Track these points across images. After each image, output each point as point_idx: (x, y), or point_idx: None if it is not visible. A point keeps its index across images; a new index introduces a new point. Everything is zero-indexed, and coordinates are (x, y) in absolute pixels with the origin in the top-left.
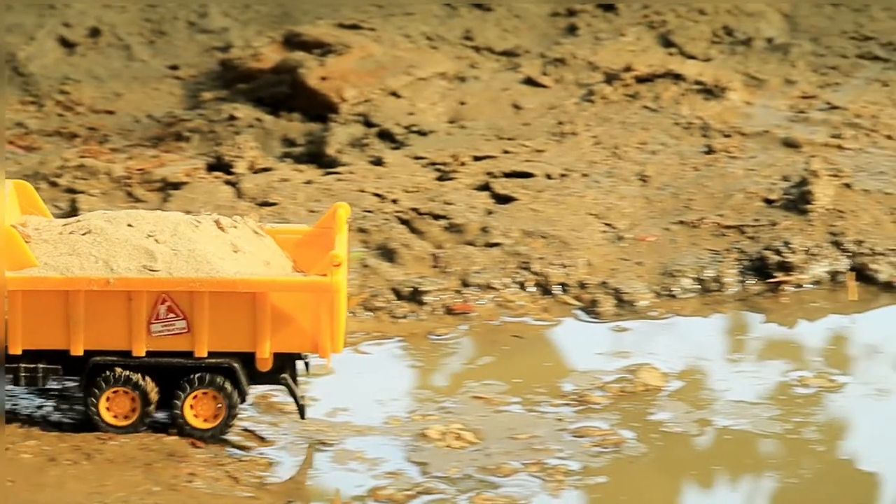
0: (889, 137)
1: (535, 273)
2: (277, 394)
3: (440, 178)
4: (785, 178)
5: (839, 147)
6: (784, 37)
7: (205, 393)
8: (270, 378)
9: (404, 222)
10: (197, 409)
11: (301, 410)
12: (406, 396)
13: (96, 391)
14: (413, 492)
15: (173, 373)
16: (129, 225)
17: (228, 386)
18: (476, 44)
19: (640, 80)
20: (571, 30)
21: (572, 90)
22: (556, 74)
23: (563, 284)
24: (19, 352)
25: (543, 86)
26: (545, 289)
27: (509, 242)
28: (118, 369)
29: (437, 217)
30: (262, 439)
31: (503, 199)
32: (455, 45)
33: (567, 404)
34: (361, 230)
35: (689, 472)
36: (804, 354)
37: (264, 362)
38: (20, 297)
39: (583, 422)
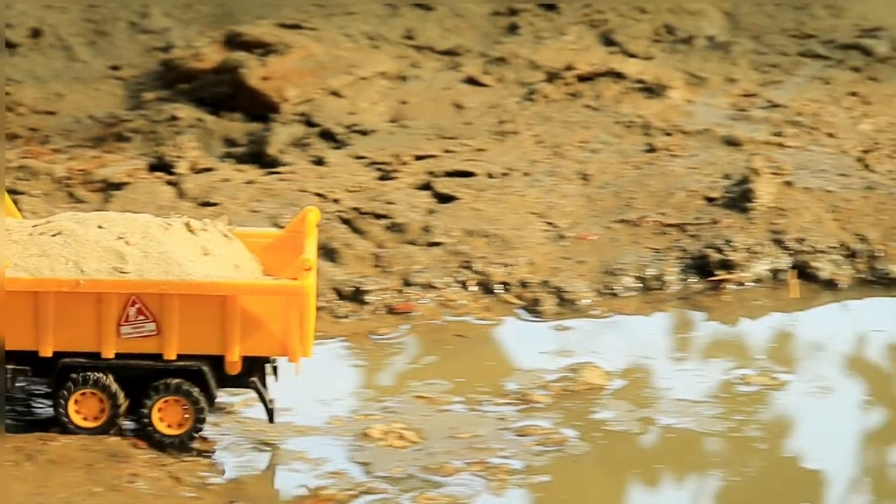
0: (830, 135)
1: (477, 272)
2: (219, 394)
3: (382, 178)
4: (726, 177)
5: (780, 145)
6: (725, 35)
7: (175, 400)
8: (239, 382)
9: (346, 222)
10: (164, 415)
11: (270, 414)
12: (348, 396)
13: (65, 392)
14: (355, 492)
15: (142, 375)
16: (100, 227)
17: (196, 392)
18: (417, 43)
19: (582, 78)
20: (513, 29)
21: (514, 89)
22: (498, 74)
23: (504, 283)
24: None
25: (485, 85)
26: (487, 288)
27: (451, 242)
28: (87, 371)
29: (378, 217)
30: (204, 440)
31: (445, 199)
32: (396, 44)
33: (509, 403)
34: None
35: (631, 471)
36: (746, 352)
37: (233, 366)
38: None
39: (525, 421)
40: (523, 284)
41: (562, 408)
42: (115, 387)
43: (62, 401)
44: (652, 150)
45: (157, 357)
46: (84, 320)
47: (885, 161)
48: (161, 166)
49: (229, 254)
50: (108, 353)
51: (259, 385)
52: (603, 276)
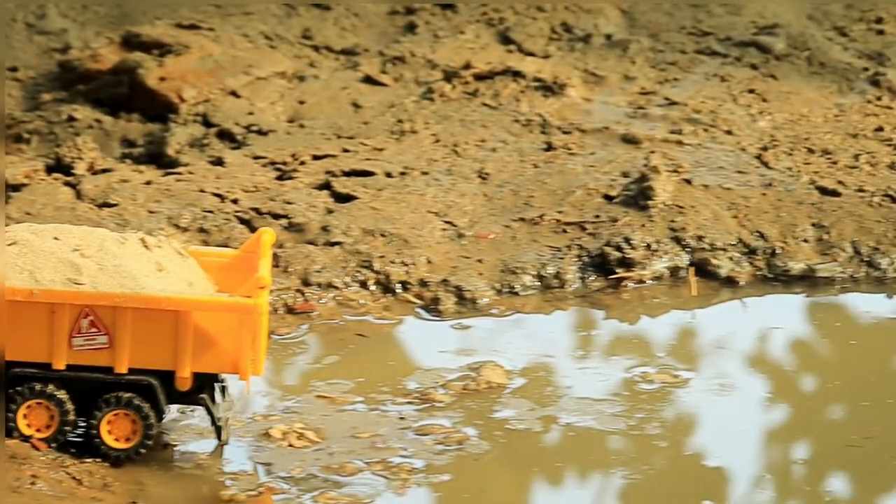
0: (728, 132)
1: (376, 271)
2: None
3: (280, 178)
4: (625, 175)
5: (679, 143)
6: (622, 33)
7: (125, 414)
8: (189, 398)
9: (244, 222)
10: (113, 429)
11: (218, 432)
12: (247, 396)
13: (14, 402)
14: (256, 492)
15: (92, 388)
16: (56, 238)
17: (146, 407)
18: (315, 43)
19: (480, 77)
20: (410, 28)
21: (412, 88)
22: (396, 73)
23: (404, 283)
24: None
25: (383, 84)
26: (386, 287)
27: (350, 241)
28: (37, 382)
29: (277, 216)
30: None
31: (343, 198)
32: (294, 44)
33: (410, 402)
34: (202, 230)
35: (533, 469)
36: (647, 350)
37: (184, 381)
38: None
39: (426, 420)
40: (423, 283)
41: (463, 407)
42: (64, 398)
43: (11, 410)
44: (550, 148)
45: (108, 370)
46: (37, 331)
47: (784, 158)
48: (59, 168)
49: (183, 271)
50: (60, 364)
51: (208, 402)
52: (502, 274)
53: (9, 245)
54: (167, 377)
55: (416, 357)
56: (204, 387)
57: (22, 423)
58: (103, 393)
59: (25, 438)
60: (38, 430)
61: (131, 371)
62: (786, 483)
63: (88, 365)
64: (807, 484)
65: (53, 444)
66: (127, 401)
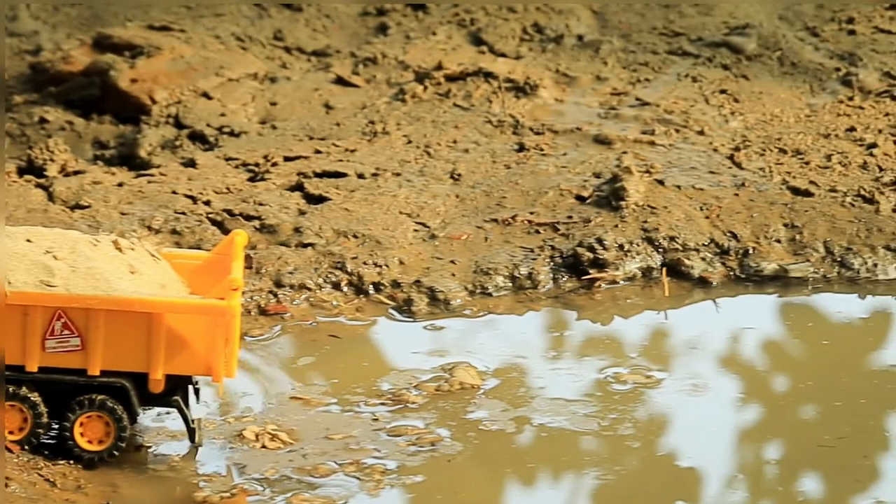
0: (700, 133)
1: (349, 273)
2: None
3: (252, 179)
4: (597, 175)
5: (651, 143)
6: (594, 34)
7: (98, 416)
8: (162, 400)
9: (217, 224)
10: (86, 431)
11: (191, 434)
12: (221, 398)
13: None
14: (229, 493)
15: (65, 390)
16: (28, 240)
17: (119, 409)
18: (286, 44)
19: (451, 78)
20: (382, 29)
21: (383, 89)
22: (367, 74)
23: (376, 284)
24: None
25: (354, 85)
26: (359, 288)
27: (322, 242)
28: (10, 384)
29: (249, 218)
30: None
31: (316, 199)
32: (265, 45)
33: (383, 403)
34: (174, 232)
35: (506, 470)
36: (619, 351)
37: (157, 384)
38: None
39: (399, 421)
40: (395, 284)
41: (436, 408)
42: (38, 401)
43: None
44: (522, 149)
45: (81, 372)
46: (9, 333)
47: (756, 158)
48: (31, 170)
49: (156, 273)
50: (32, 366)
51: (182, 404)
52: (475, 275)
53: None
54: (140, 379)
55: (389, 358)
56: (177, 389)
57: None
58: (76, 395)
59: None
60: (10, 433)
61: (104, 373)
62: (758, 483)
63: (61, 367)
64: (779, 484)
65: (27, 447)
66: (100, 403)
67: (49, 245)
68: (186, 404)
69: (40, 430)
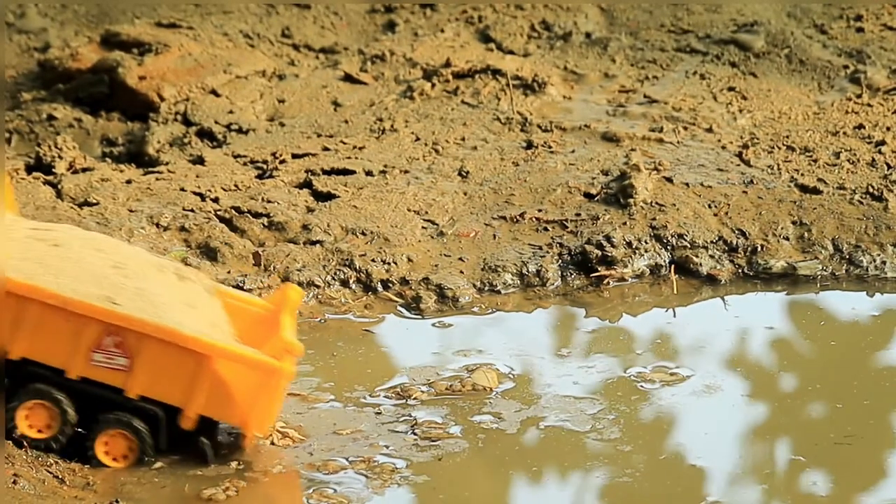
0: (708, 130)
1: (357, 270)
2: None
3: (260, 177)
4: (605, 173)
5: (659, 140)
6: (602, 31)
7: (123, 434)
8: (188, 437)
9: (225, 221)
10: (110, 447)
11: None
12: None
13: (19, 398)
14: (235, 491)
15: (99, 403)
16: (99, 250)
17: (145, 433)
18: (294, 41)
19: (459, 75)
20: (390, 26)
21: (391, 87)
22: (375, 71)
23: (385, 281)
24: None
25: (362, 83)
26: (367, 286)
27: (330, 240)
28: (47, 384)
29: (257, 215)
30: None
31: (324, 197)
32: (273, 42)
33: (391, 400)
34: (182, 229)
35: (515, 470)
36: (628, 349)
37: (188, 421)
38: None
39: (408, 418)
40: (404, 282)
41: (444, 405)
42: (68, 407)
43: (13, 405)
44: (530, 146)
45: (118, 391)
46: (61, 336)
47: (764, 156)
48: (40, 167)
49: (209, 310)
50: (74, 373)
51: (205, 446)
52: (483, 273)
53: (52, 246)
54: (173, 412)
55: (397, 356)
56: (205, 431)
57: (22, 420)
58: (108, 410)
59: (21, 436)
60: (38, 430)
61: (140, 398)
62: (768, 481)
63: (100, 381)
64: (790, 482)
65: (49, 448)
66: (128, 423)
67: (118, 260)
68: (213, 448)
69: (64, 437)
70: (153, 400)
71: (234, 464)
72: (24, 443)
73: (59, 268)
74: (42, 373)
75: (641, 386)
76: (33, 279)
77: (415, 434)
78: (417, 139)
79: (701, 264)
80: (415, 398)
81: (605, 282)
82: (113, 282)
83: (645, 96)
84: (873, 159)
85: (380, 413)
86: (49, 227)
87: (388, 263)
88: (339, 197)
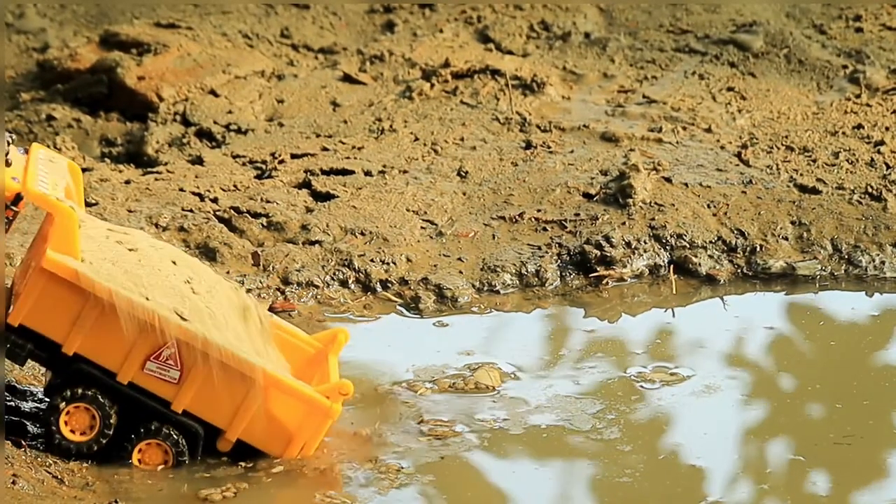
0: (707, 130)
1: (356, 270)
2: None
3: (259, 177)
4: (604, 173)
5: (658, 141)
6: (601, 31)
7: (159, 445)
8: (219, 455)
9: (224, 221)
10: (145, 456)
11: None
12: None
13: (65, 395)
14: (234, 491)
15: (144, 411)
16: (174, 262)
17: (183, 446)
18: (294, 41)
19: (458, 75)
20: (389, 26)
21: (390, 87)
22: (374, 71)
23: (384, 281)
24: (16, 324)
25: (361, 83)
26: (366, 286)
27: (330, 240)
28: (95, 385)
29: (256, 215)
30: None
31: (323, 197)
32: (273, 42)
33: (396, 399)
34: (182, 229)
35: (518, 469)
36: (627, 349)
37: (227, 444)
38: (48, 277)
39: (413, 417)
40: (403, 282)
41: (449, 404)
42: (112, 411)
43: (58, 402)
44: (529, 146)
45: (164, 402)
46: (118, 339)
47: (763, 156)
48: None
49: (259, 338)
50: (125, 378)
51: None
52: (482, 273)
53: (129, 250)
54: (213, 432)
55: (399, 355)
56: (237, 454)
57: (63, 418)
58: (150, 420)
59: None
60: (79, 433)
61: (185, 413)
62: (767, 481)
63: (147, 389)
64: (790, 482)
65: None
66: (168, 435)
67: (190, 275)
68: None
69: (104, 440)
70: (195, 416)
71: (240, 464)
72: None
73: (133, 273)
74: (91, 372)
75: (641, 386)
76: (108, 279)
77: (420, 433)
78: (416, 139)
79: (700, 264)
80: (420, 396)
81: (604, 282)
82: (183, 295)
83: (644, 96)
84: (872, 159)
85: (384, 412)
86: (125, 231)
87: (387, 263)
88: (338, 197)
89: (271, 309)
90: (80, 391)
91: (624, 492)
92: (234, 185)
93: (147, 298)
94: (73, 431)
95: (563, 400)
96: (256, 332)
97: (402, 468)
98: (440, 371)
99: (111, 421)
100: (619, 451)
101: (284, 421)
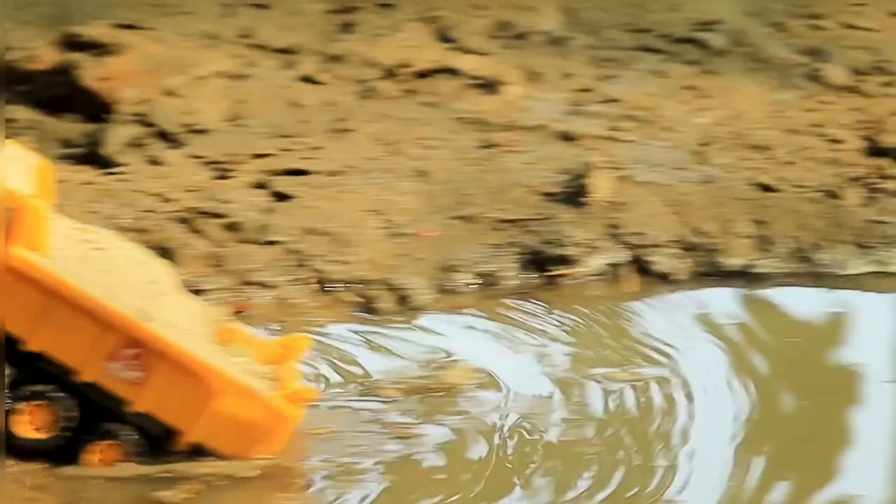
0: (666, 129)
1: (314, 270)
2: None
3: (219, 177)
4: (563, 172)
5: (617, 139)
6: (562, 30)
7: (119, 445)
8: (174, 452)
9: (183, 221)
10: (104, 455)
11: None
12: None
13: (25, 392)
14: (193, 493)
15: (104, 410)
16: (140, 262)
17: (144, 447)
18: (254, 42)
19: (418, 75)
20: (349, 27)
21: (350, 87)
22: (334, 72)
23: (342, 281)
24: None
25: (321, 83)
26: (324, 286)
27: (289, 240)
28: (47, 383)
29: (215, 216)
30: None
31: (282, 197)
32: (233, 43)
33: (362, 400)
34: (141, 230)
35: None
36: (588, 347)
37: (185, 445)
38: (13, 274)
39: (378, 418)
40: (361, 282)
41: (415, 404)
42: (72, 409)
43: (18, 400)
44: (489, 146)
45: (124, 402)
46: (82, 338)
47: (722, 154)
48: None
49: (220, 343)
50: (86, 376)
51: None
52: (441, 272)
53: (97, 249)
54: (172, 433)
55: (362, 355)
56: (195, 453)
57: (21, 418)
58: (110, 420)
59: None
60: (40, 431)
61: (143, 414)
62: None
63: (106, 388)
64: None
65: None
66: (127, 435)
67: (157, 276)
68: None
69: (64, 439)
70: (156, 417)
71: (198, 466)
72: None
73: (101, 270)
74: (52, 371)
75: (603, 383)
76: (75, 278)
77: (383, 434)
78: (376, 139)
79: (659, 262)
80: (383, 396)
81: (563, 279)
82: (149, 296)
83: (603, 95)
84: (830, 157)
85: (350, 413)
86: (93, 230)
87: (346, 263)
88: (297, 197)
89: (231, 309)
90: (40, 389)
91: (585, 489)
92: (194, 186)
93: (113, 298)
94: (34, 429)
95: (528, 398)
96: (218, 336)
97: (368, 468)
98: (406, 371)
99: (71, 420)
100: (580, 450)
101: (245, 424)
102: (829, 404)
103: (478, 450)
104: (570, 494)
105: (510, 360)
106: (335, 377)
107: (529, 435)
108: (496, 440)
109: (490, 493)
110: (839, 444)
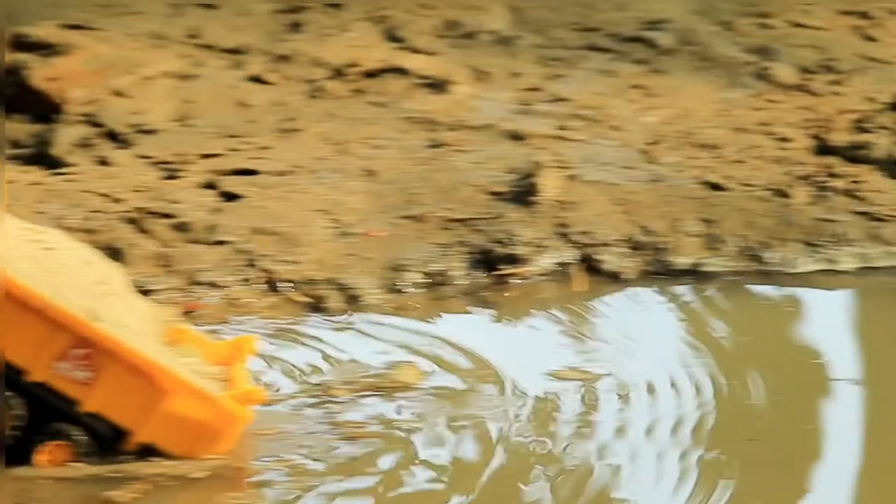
0: (614, 128)
1: (263, 270)
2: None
3: (167, 177)
4: (511, 171)
5: (565, 139)
6: (509, 29)
7: (67, 444)
8: (121, 452)
9: (131, 222)
10: (53, 456)
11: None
12: None
13: None
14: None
15: (53, 410)
16: (88, 262)
17: (94, 448)
18: (202, 42)
19: (366, 75)
20: (297, 27)
21: (298, 87)
22: (282, 71)
23: (290, 281)
24: None
25: (269, 83)
26: (273, 286)
27: (236, 240)
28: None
29: (163, 216)
30: None
31: (230, 197)
32: (180, 43)
33: (312, 400)
34: (89, 231)
35: (436, 469)
36: (533, 347)
37: (134, 445)
38: None
39: (328, 418)
40: (310, 282)
41: (365, 404)
42: (21, 409)
43: None
44: (437, 145)
45: (73, 402)
46: (30, 338)
47: (670, 153)
48: None
49: (168, 343)
50: (34, 376)
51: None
52: (389, 272)
53: (46, 249)
54: (121, 432)
55: (311, 355)
56: (146, 454)
57: None
58: (60, 420)
59: None
60: None
61: (93, 414)
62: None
63: (55, 388)
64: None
65: None
66: (76, 435)
67: (104, 276)
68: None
69: (12, 439)
70: (105, 417)
71: (147, 465)
72: None
73: (51, 270)
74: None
75: (554, 383)
76: (23, 277)
77: (332, 434)
78: (324, 139)
79: (607, 261)
80: (332, 396)
81: (511, 279)
82: (97, 296)
83: (551, 94)
84: (779, 156)
85: (295, 413)
86: (42, 230)
87: (295, 263)
88: (245, 197)
89: (179, 310)
90: None
91: (539, 492)
92: (142, 186)
93: (62, 298)
94: None
95: (481, 397)
96: (166, 336)
97: (317, 470)
98: (356, 371)
99: (20, 420)
100: (534, 451)
101: (195, 425)
102: (780, 403)
103: (430, 449)
104: (523, 493)
105: (461, 359)
106: (284, 378)
107: (482, 433)
108: (448, 439)
109: (444, 493)
110: (791, 443)
